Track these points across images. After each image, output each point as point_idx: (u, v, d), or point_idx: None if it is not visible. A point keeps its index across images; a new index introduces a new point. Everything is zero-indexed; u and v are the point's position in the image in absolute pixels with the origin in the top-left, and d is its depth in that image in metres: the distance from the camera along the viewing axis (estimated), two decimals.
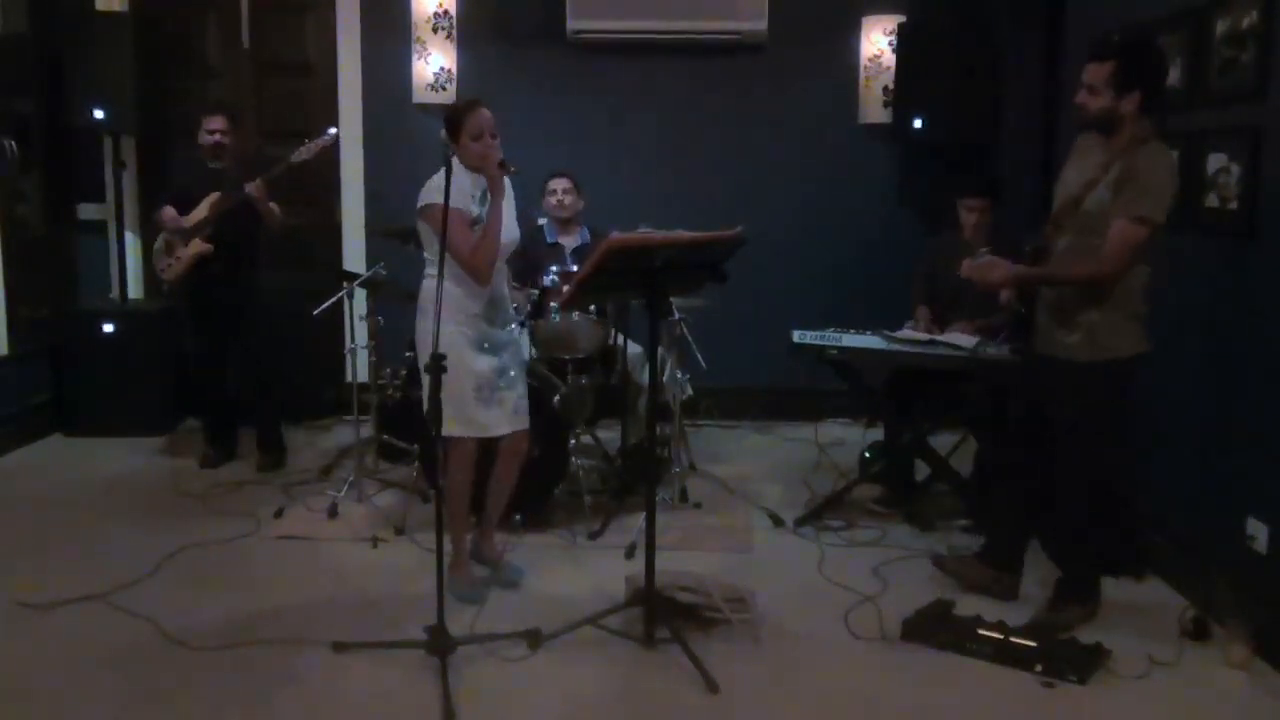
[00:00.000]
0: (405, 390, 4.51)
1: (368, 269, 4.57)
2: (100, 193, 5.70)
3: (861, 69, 5.67)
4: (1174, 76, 3.61)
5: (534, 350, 4.33)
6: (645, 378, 3.88)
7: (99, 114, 5.21)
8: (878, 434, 4.56)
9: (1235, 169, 3.35)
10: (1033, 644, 3.05)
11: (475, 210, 3.33)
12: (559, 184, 4.77)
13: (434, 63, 5.68)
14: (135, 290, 5.77)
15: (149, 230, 5.30)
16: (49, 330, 5.38)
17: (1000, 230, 4.24)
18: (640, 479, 4.13)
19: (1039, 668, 2.98)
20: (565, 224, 4.81)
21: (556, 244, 4.79)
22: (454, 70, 5.70)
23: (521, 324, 4.07)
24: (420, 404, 3.20)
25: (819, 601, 3.48)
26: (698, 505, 4.41)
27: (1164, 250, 3.12)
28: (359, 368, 4.60)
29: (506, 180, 3.34)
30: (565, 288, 3.83)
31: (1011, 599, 3.46)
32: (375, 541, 3.95)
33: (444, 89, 5.69)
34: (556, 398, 4.12)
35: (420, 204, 3.31)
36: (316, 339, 5.21)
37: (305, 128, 4.84)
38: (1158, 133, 3.08)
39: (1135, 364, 3.14)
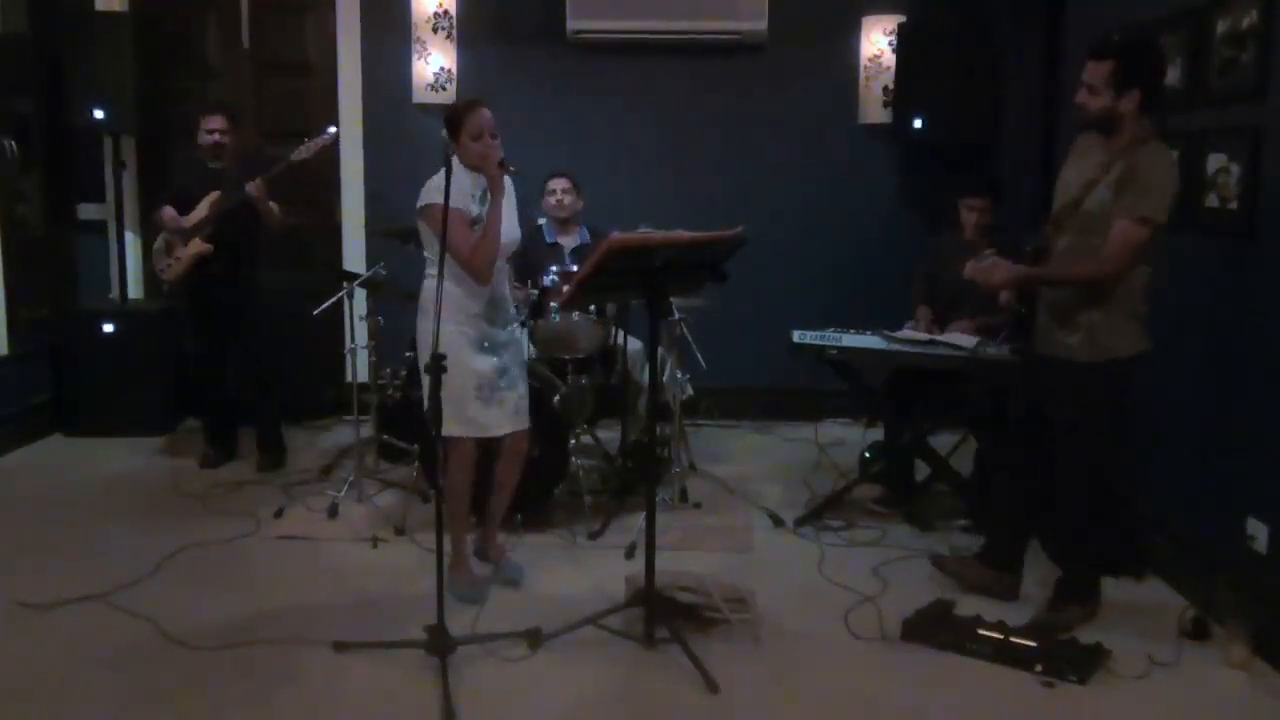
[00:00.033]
0: (405, 390, 4.51)
1: (368, 269, 4.57)
2: (100, 193, 5.70)
3: (861, 69, 5.67)
4: (1174, 76, 3.61)
5: (534, 350, 4.33)
6: (645, 378, 3.88)
7: (99, 114, 5.21)
8: (878, 434, 4.56)
9: (1235, 169, 3.35)
10: (1033, 644, 3.05)
11: (475, 210, 3.33)
12: (558, 184, 4.77)
13: (434, 63, 5.68)
14: (135, 290, 5.77)
15: (149, 230, 5.30)
16: (49, 330, 5.38)
17: (1001, 230, 4.24)
18: (640, 479, 4.13)
19: (1039, 668, 2.98)
20: (564, 224, 4.81)
21: (556, 244, 4.79)
22: (454, 70, 5.70)
23: (522, 324, 4.07)
24: (420, 404, 3.20)
25: (819, 601, 3.48)
26: (698, 505, 4.41)
27: (1164, 250, 3.12)
28: (359, 368, 4.60)
29: (507, 180, 3.34)
30: (565, 288, 3.82)
31: (1011, 599, 3.46)
32: (375, 541, 3.95)
33: (444, 89, 5.69)
34: (556, 398, 4.12)
35: (420, 204, 3.31)
36: (316, 339, 5.21)
37: (305, 128, 4.83)
38: (1158, 132, 3.08)
39: (1135, 364, 3.14)
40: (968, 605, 3.33)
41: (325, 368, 5.59)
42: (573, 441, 4.30)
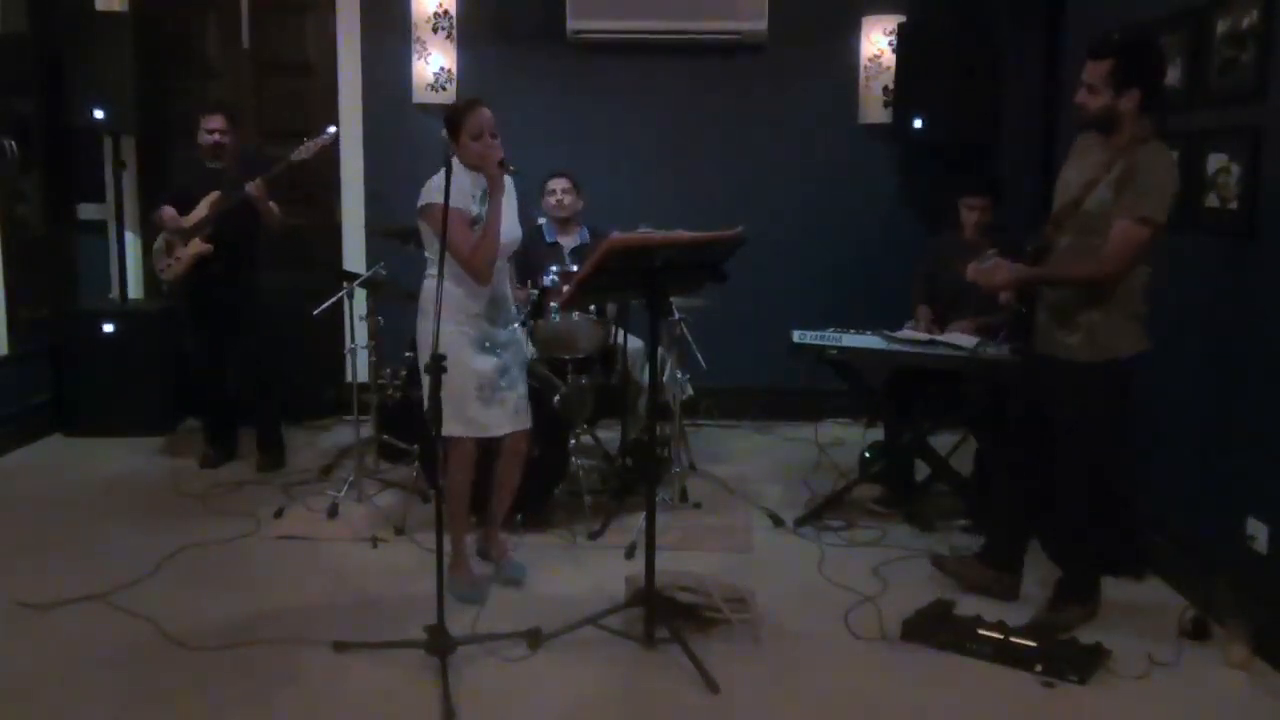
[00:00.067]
0: (405, 390, 4.51)
1: (368, 269, 4.57)
2: (100, 193, 5.70)
3: (861, 69, 5.67)
4: (1174, 76, 3.61)
5: (534, 350, 4.33)
6: (645, 378, 3.88)
7: (99, 114, 5.20)
8: (878, 434, 4.56)
9: (1235, 169, 3.35)
10: (1033, 644, 3.05)
11: (475, 210, 3.33)
12: (558, 184, 4.77)
13: (434, 63, 5.68)
14: (135, 290, 5.77)
15: (149, 230, 5.29)
16: (49, 330, 5.38)
17: (1001, 230, 4.24)
18: (640, 478, 4.13)
19: (1039, 668, 2.98)
20: (564, 224, 4.81)
21: (556, 244, 4.79)
22: (454, 70, 5.70)
23: (522, 323, 4.07)
24: (420, 404, 3.19)
25: (819, 601, 3.48)
26: (698, 505, 4.41)
27: (1164, 250, 3.12)
28: (359, 368, 4.60)
29: (508, 179, 3.35)
30: (565, 288, 3.82)
31: (1011, 599, 3.46)
32: (375, 541, 3.95)
33: (444, 89, 5.69)
34: (556, 398, 4.12)
35: (420, 204, 3.32)
36: (316, 339, 5.20)
37: (305, 128, 4.83)
38: (1157, 132, 3.08)
39: (1135, 364, 3.14)
40: (968, 605, 3.33)
41: (325, 368, 5.59)
42: (573, 441, 4.29)
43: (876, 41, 5.63)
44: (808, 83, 5.69)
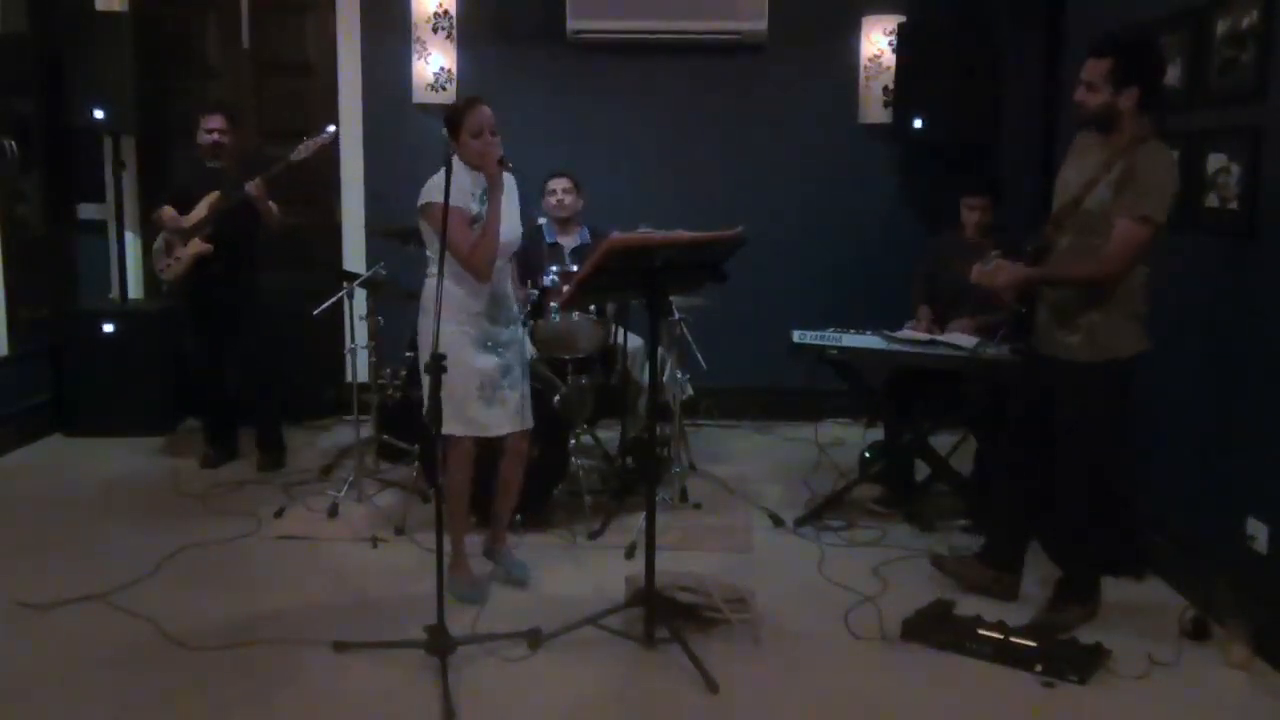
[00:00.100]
0: (405, 390, 4.51)
1: (368, 269, 4.57)
2: (100, 193, 5.70)
3: (861, 69, 5.67)
4: (1174, 76, 3.61)
5: (534, 350, 4.33)
6: (645, 378, 3.88)
7: (99, 114, 5.20)
8: (878, 434, 4.56)
9: (1235, 169, 3.35)
10: (1033, 644, 3.05)
11: (475, 208, 3.33)
12: (558, 184, 4.77)
13: (434, 63, 5.68)
14: (135, 290, 5.77)
15: (149, 230, 5.29)
16: (49, 330, 5.38)
17: (1001, 230, 4.24)
18: (640, 478, 4.13)
19: (1039, 668, 2.98)
20: (565, 224, 4.81)
21: (556, 244, 4.79)
22: (454, 70, 5.70)
23: (523, 323, 4.07)
24: (421, 404, 3.19)
25: (819, 601, 3.48)
26: (698, 505, 4.41)
27: (1164, 250, 3.12)
28: (359, 368, 4.60)
29: (509, 178, 3.35)
30: (565, 288, 3.82)
31: (1011, 599, 3.46)
32: (375, 541, 3.95)
33: (444, 89, 5.69)
34: (556, 398, 4.12)
35: (420, 203, 3.32)
36: (316, 339, 5.21)
37: (305, 127, 4.82)
38: (1157, 131, 3.08)
39: (1135, 364, 3.14)
40: (968, 605, 3.33)
41: (325, 368, 5.59)
42: (573, 441, 4.30)
43: (876, 41, 5.63)
44: (808, 83, 5.69)
